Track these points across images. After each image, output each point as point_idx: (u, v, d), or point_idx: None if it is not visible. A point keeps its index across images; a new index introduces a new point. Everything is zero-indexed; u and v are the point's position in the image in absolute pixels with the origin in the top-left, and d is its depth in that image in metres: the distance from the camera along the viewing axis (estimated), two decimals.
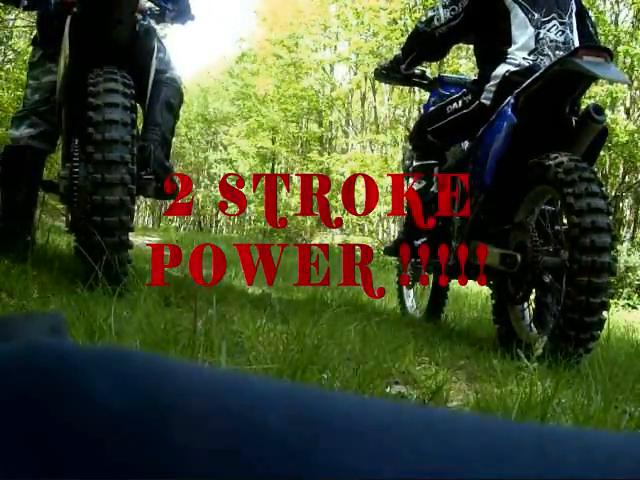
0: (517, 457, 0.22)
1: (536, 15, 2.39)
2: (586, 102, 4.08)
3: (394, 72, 2.94)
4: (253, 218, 21.84)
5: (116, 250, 2.17)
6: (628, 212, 12.51)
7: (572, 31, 2.48)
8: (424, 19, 2.73)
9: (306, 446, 0.22)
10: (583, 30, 2.58)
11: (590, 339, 2.16)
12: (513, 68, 2.38)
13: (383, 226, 13.64)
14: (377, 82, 15.70)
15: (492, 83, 2.43)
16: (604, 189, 2.17)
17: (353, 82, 15.14)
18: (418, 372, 1.85)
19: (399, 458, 0.21)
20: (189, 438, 0.22)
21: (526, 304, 2.49)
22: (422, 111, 3.11)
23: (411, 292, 3.33)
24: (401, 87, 13.98)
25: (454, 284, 3.46)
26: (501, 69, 2.41)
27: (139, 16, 2.33)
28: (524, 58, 2.38)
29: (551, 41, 2.38)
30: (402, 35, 12.29)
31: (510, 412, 1.35)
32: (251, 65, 18.88)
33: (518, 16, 2.39)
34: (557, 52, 2.39)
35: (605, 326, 2.28)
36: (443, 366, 2.00)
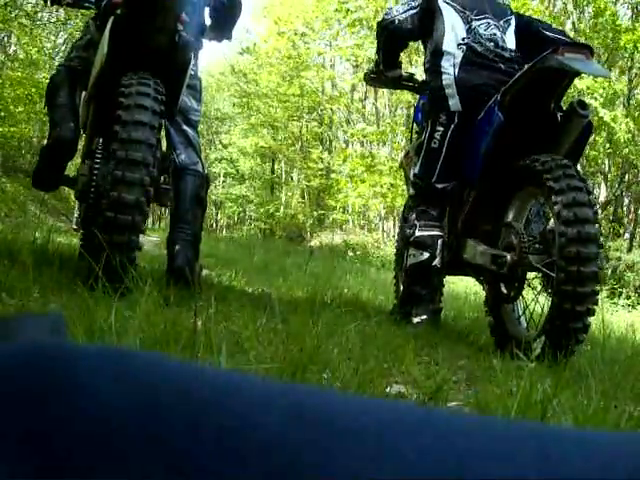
0: (517, 457, 0.22)
1: (468, 13, 2.67)
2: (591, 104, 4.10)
3: (381, 75, 3.02)
4: (253, 217, 21.85)
5: (124, 249, 2.17)
6: (627, 211, 12.51)
7: (505, 33, 2.70)
8: (383, 18, 2.91)
9: (306, 446, 0.22)
10: (539, 37, 2.74)
11: (575, 343, 2.21)
12: (456, 57, 2.60)
13: (383, 226, 13.64)
14: None
15: (448, 81, 2.62)
16: (592, 197, 2.18)
17: (356, 78, 15.15)
18: (418, 372, 1.85)
19: (399, 458, 0.21)
20: (189, 438, 0.22)
21: (517, 302, 2.54)
22: (416, 113, 3.16)
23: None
24: None
25: (455, 284, 3.53)
26: (446, 63, 2.63)
27: (180, 27, 2.32)
28: (461, 45, 2.62)
29: (486, 32, 2.63)
30: None
31: (510, 412, 1.35)
32: (254, 60, 18.87)
33: (454, 17, 2.67)
34: (492, 36, 2.62)
35: (605, 326, 2.31)
36: (443, 366, 2.00)
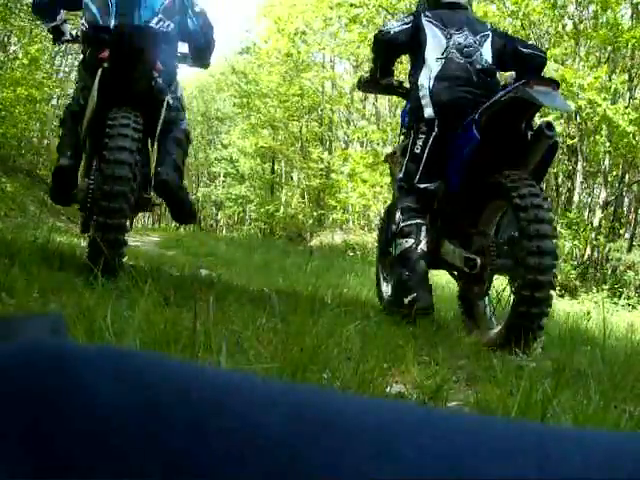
0: (517, 457, 0.22)
1: (452, 31, 2.97)
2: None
3: (374, 83, 3.27)
4: (253, 217, 21.86)
5: (114, 245, 2.66)
6: (628, 211, 12.52)
7: (481, 46, 2.97)
8: (379, 31, 3.22)
9: (306, 445, 0.22)
10: (514, 52, 3.05)
11: (532, 339, 2.43)
12: (433, 70, 2.89)
13: None
14: None
15: (425, 92, 2.90)
16: (551, 214, 2.47)
17: (356, 78, 15.16)
18: (418, 372, 1.85)
19: (399, 457, 0.21)
20: (189, 438, 0.22)
21: (487, 298, 2.84)
22: (402, 117, 3.38)
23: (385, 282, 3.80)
24: None
25: (455, 284, 3.60)
26: (424, 75, 2.93)
27: (156, 74, 2.81)
28: (440, 59, 2.91)
29: (462, 44, 2.93)
30: None
31: (510, 412, 1.35)
32: (254, 60, 18.87)
33: (434, 32, 2.97)
34: (468, 51, 2.91)
35: (605, 326, 2.35)
36: (443, 366, 2.00)
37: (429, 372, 1.86)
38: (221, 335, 1.62)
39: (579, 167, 11.59)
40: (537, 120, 2.90)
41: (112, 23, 2.83)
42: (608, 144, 11.01)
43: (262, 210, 19.30)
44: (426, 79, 2.90)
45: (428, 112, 2.86)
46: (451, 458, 0.22)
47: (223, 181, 24.68)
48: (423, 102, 2.88)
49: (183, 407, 0.23)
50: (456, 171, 2.73)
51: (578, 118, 11.32)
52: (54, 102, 15.12)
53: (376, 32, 3.29)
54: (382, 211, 12.66)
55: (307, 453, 0.21)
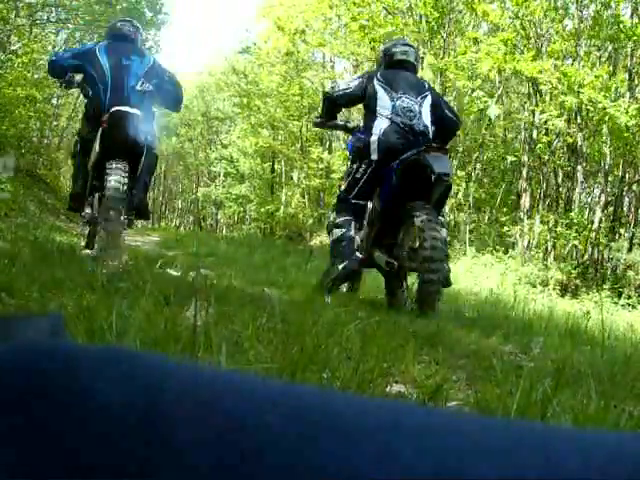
0: (517, 457, 0.22)
1: (397, 93, 3.68)
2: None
3: (322, 123, 4.16)
4: (253, 217, 21.85)
5: (115, 249, 3.68)
6: (628, 211, 12.51)
7: (422, 107, 3.70)
8: (331, 88, 4.13)
9: (306, 446, 0.22)
10: (444, 116, 3.84)
11: (432, 306, 3.39)
12: (382, 126, 3.64)
13: None
14: None
15: (374, 142, 3.66)
16: (442, 233, 3.40)
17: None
18: (418, 372, 1.85)
19: (399, 458, 0.21)
20: (190, 438, 0.22)
21: (404, 286, 3.90)
22: (348, 146, 4.17)
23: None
24: None
25: (456, 284, 3.74)
26: (377, 127, 3.66)
27: (139, 137, 3.82)
28: (386, 117, 3.64)
29: (405, 108, 3.64)
30: (398, 27, 12.29)
31: (510, 412, 1.35)
32: (255, 59, 18.87)
33: (383, 93, 3.69)
34: (407, 117, 3.64)
35: (604, 326, 2.34)
36: (443, 366, 2.00)
37: (429, 372, 1.86)
38: (221, 335, 1.62)
39: (579, 167, 11.59)
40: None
41: (108, 95, 3.90)
42: (609, 143, 11.01)
43: (262, 210, 19.29)
44: (377, 130, 3.66)
45: (374, 156, 3.67)
46: (451, 458, 0.22)
47: (223, 181, 24.69)
48: (372, 147, 3.66)
49: (183, 407, 0.23)
50: (383, 198, 3.68)
51: (579, 118, 11.32)
52: (54, 102, 15.12)
53: (327, 90, 4.38)
54: None
55: (307, 453, 0.21)
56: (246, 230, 21.31)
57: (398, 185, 3.49)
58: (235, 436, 0.22)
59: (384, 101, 3.64)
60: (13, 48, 12.79)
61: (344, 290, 4.10)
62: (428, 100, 3.72)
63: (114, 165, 3.77)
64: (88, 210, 4.15)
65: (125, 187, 3.78)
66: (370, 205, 3.84)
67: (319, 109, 4.37)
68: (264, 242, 13.31)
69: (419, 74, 4.13)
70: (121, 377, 0.23)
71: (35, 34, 13.86)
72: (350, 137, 4.06)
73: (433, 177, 3.32)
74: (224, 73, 23.17)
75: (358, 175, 3.73)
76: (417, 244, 3.39)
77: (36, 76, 13.45)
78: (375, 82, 3.70)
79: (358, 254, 3.74)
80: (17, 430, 0.22)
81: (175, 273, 3.75)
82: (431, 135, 3.66)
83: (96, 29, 14.41)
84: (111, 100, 3.82)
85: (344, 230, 3.77)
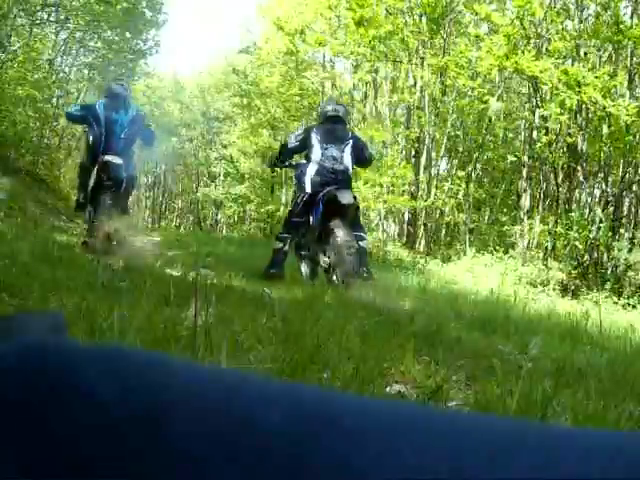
0: (517, 457, 0.22)
1: (326, 144, 4.98)
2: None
3: (274, 164, 5.53)
4: (253, 217, 21.84)
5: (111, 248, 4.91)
6: (628, 211, 12.51)
7: (343, 153, 5.00)
8: (286, 140, 5.44)
9: (307, 445, 0.22)
10: (360, 155, 5.15)
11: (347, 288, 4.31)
12: (314, 168, 4.95)
13: (383, 225, 13.64)
14: (379, 80, 15.71)
15: (308, 180, 4.95)
16: (353, 243, 4.64)
17: (355, 77, 15.12)
18: (418, 372, 1.85)
19: (399, 457, 0.21)
20: (190, 436, 0.22)
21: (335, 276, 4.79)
22: (295, 179, 5.33)
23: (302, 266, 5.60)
24: (402, 86, 14.03)
25: (456, 284, 3.64)
26: (310, 170, 4.97)
27: (123, 183, 5.39)
28: (317, 162, 4.95)
29: (330, 156, 4.94)
30: (396, 28, 12.28)
31: (510, 412, 1.35)
32: (255, 59, 18.87)
33: (316, 144, 4.99)
34: (330, 163, 4.95)
35: (605, 326, 2.34)
36: (443, 366, 2.00)
37: (429, 372, 1.86)
38: (221, 335, 1.62)
39: (579, 167, 11.59)
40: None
41: (102, 142, 5.40)
42: (609, 143, 11.01)
43: (262, 210, 19.29)
44: (310, 172, 4.96)
45: (307, 188, 4.96)
46: (451, 458, 0.22)
47: (223, 181, 24.69)
48: (306, 184, 4.96)
49: (183, 406, 0.23)
50: (315, 217, 4.89)
51: (579, 117, 11.32)
52: (54, 101, 15.12)
53: (282, 142, 5.62)
54: (381, 211, 12.56)
55: (307, 453, 0.21)
56: (246, 230, 21.31)
57: (323, 209, 4.80)
58: (235, 435, 0.22)
59: (316, 150, 4.99)
60: (13, 48, 12.78)
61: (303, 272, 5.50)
62: (349, 147, 5.06)
63: (104, 197, 5.34)
64: (87, 215, 5.71)
65: (110, 203, 5.33)
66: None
67: (274, 154, 5.66)
68: (264, 242, 13.31)
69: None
70: (121, 376, 0.23)
71: (35, 34, 13.85)
72: (295, 172, 5.33)
73: (341, 204, 4.69)
74: (224, 73, 23.17)
75: (298, 200, 5.08)
76: (336, 248, 4.68)
77: (36, 76, 13.44)
78: (312, 135, 5.07)
79: (283, 264, 5.21)
80: (17, 429, 0.22)
81: (175, 273, 3.75)
82: (350, 171, 5.08)
83: (95, 29, 14.41)
84: (104, 147, 5.38)
85: (281, 245, 5.20)
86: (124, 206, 5.66)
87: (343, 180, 4.89)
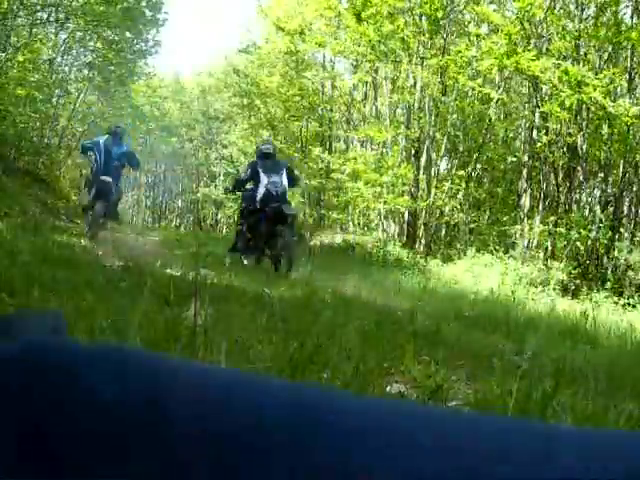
0: (517, 457, 0.22)
1: (268, 173, 6.47)
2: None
3: (232, 190, 7.36)
4: None
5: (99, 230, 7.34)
6: (628, 211, 12.50)
7: (281, 178, 6.50)
8: (240, 174, 7.79)
9: (307, 444, 0.22)
10: (292, 178, 6.73)
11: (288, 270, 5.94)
12: (262, 190, 6.47)
13: (383, 225, 13.63)
14: (378, 80, 15.71)
15: (258, 198, 6.44)
16: (288, 240, 6.23)
17: (355, 78, 15.11)
18: (418, 371, 1.85)
19: (399, 457, 0.21)
20: (189, 435, 0.22)
21: (280, 263, 6.39)
22: (243, 196, 7.16)
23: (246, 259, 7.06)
24: (402, 86, 14.04)
25: (457, 284, 3.63)
26: (260, 191, 6.45)
27: (113, 192, 7.60)
28: (264, 186, 6.44)
29: (272, 181, 6.40)
30: (398, 28, 12.28)
31: (510, 412, 1.35)
32: (256, 59, 18.85)
33: (263, 174, 6.49)
34: (274, 186, 6.41)
35: (604, 326, 2.33)
36: (443, 365, 2.00)
37: (429, 372, 1.86)
38: (221, 335, 1.62)
39: (579, 167, 11.59)
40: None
41: (101, 167, 7.50)
42: (609, 143, 11.01)
43: None
44: (260, 192, 6.48)
45: (258, 205, 6.45)
46: (450, 457, 0.22)
47: (223, 181, 24.69)
48: (257, 200, 6.47)
49: (183, 406, 0.23)
50: (262, 222, 6.39)
51: (579, 117, 11.32)
52: (54, 101, 15.11)
53: (236, 178, 7.64)
54: (381, 211, 12.56)
55: (307, 452, 0.21)
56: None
57: (269, 218, 6.34)
58: (235, 434, 0.22)
59: (263, 178, 6.54)
60: (13, 48, 12.77)
61: (245, 263, 6.88)
62: (284, 173, 6.67)
63: (98, 206, 7.34)
64: (90, 213, 7.63)
65: (102, 207, 7.32)
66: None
67: (229, 187, 7.82)
68: None
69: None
70: (121, 375, 0.23)
71: (35, 34, 13.84)
72: (244, 192, 7.03)
73: (286, 214, 6.29)
74: (224, 73, 23.17)
75: (250, 208, 6.72)
76: (284, 245, 6.20)
77: (36, 76, 13.44)
78: (258, 168, 6.66)
79: (243, 245, 6.88)
80: (16, 428, 0.22)
81: (175, 273, 3.75)
82: (287, 191, 6.68)
83: (95, 29, 14.41)
84: (102, 171, 7.52)
85: (241, 227, 6.98)
86: (113, 210, 8.01)
87: (284, 198, 6.56)
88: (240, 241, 6.91)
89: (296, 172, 7.37)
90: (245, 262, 6.81)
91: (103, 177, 7.42)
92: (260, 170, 6.56)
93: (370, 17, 12.11)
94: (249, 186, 6.84)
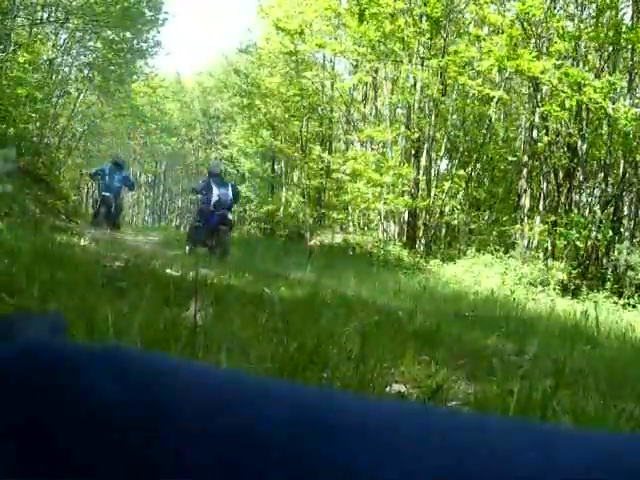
0: (517, 457, 0.22)
1: (218, 186, 8.49)
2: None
3: (193, 193, 10.47)
4: (253, 217, 21.85)
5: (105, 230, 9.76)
6: (628, 211, 12.49)
7: (228, 191, 8.58)
8: (197, 184, 9.59)
9: (306, 445, 0.22)
10: (234, 193, 8.69)
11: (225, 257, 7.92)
12: (214, 199, 8.45)
13: (383, 225, 13.63)
14: (378, 79, 15.71)
15: (212, 202, 8.34)
16: (228, 236, 8.64)
17: (354, 78, 15.11)
18: (418, 371, 1.85)
19: (399, 457, 0.21)
20: (189, 436, 0.22)
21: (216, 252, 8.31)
22: (202, 201, 8.78)
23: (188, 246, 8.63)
24: (402, 87, 14.03)
25: (457, 284, 3.62)
26: (214, 198, 8.38)
27: (119, 206, 11.09)
28: (217, 196, 8.39)
29: (222, 192, 8.41)
30: (398, 28, 12.28)
31: (510, 412, 1.35)
32: (256, 59, 18.86)
33: (214, 186, 8.47)
34: (224, 196, 8.46)
35: (604, 326, 2.34)
36: (443, 366, 2.00)
37: (429, 372, 1.86)
38: (221, 335, 1.62)
39: (579, 167, 11.59)
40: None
41: (107, 187, 10.67)
42: (609, 143, 11.01)
43: (262, 210, 19.31)
44: (214, 200, 8.21)
45: (212, 208, 8.16)
46: (451, 458, 0.22)
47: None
48: (211, 205, 8.17)
49: (183, 406, 0.23)
50: (212, 222, 8.52)
51: (579, 117, 11.32)
52: (53, 101, 15.11)
53: (194, 187, 9.47)
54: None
55: (307, 453, 0.21)
56: (246, 230, 21.34)
57: (217, 220, 8.16)
58: (235, 435, 0.22)
59: (215, 191, 8.30)
60: (13, 48, 12.77)
61: (187, 250, 8.45)
62: (229, 189, 8.56)
63: (101, 208, 10.08)
64: (98, 219, 10.00)
65: (107, 214, 9.98)
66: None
67: (191, 190, 11.05)
68: (264, 242, 13.32)
69: None
70: (121, 376, 0.23)
71: (35, 33, 13.84)
72: (200, 197, 8.78)
73: (229, 219, 8.37)
74: (224, 72, 23.16)
75: (203, 210, 8.45)
76: (222, 239, 8.12)
77: (36, 76, 13.44)
78: (211, 182, 8.44)
79: (197, 240, 8.53)
80: (16, 429, 0.22)
81: (175, 273, 3.75)
82: (231, 202, 8.50)
83: (95, 29, 14.41)
84: (107, 189, 10.30)
85: (197, 224, 8.63)
86: (116, 218, 10.80)
87: (229, 207, 8.57)
88: (195, 234, 8.65)
89: (237, 190, 9.42)
90: (187, 249, 8.50)
91: (105, 193, 10.53)
92: (213, 185, 8.53)
93: (372, 16, 12.10)
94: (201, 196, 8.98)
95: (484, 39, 11.25)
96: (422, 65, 12.60)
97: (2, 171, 10.61)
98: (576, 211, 11.34)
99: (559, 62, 10.46)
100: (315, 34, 15.24)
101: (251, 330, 1.88)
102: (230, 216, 8.64)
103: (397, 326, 2.72)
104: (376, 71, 14.84)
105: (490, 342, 2.81)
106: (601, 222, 11.09)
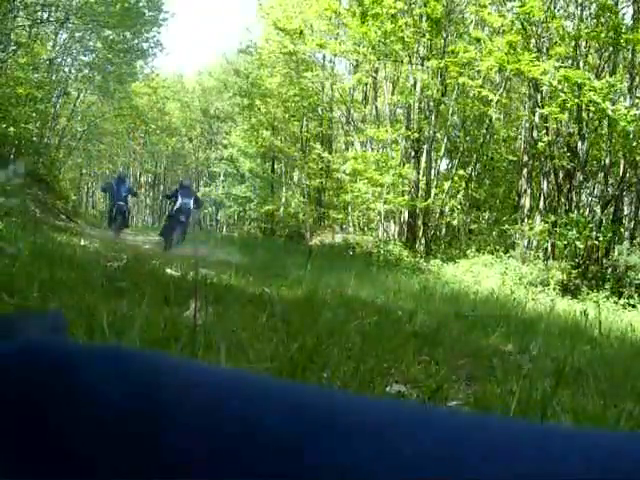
0: (517, 457, 0.22)
1: (183, 197, 10.60)
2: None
3: (167, 199, 13.21)
4: (253, 217, 21.85)
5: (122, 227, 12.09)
6: (629, 211, 12.49)
7: (190, 201, 10.61)
8: (170, 194, 11.82)
9: (306, 444, 0.22)
10: (197, 200, 11.08)
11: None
12: (177, 206, 10.63)
13: (383, 225, 13.63)
14: (378, 79, 15.71)
15: (175, 209, 10.60)
16: (185, 231, 11.14)
17: (354, 79, 15.11)
18: (418, 371, 1.85)
19: (399, 457, 0.21)
20: (189, 437, 0.22)
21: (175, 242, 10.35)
22: (173, 203, 11.08)
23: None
24: (402, 86, 14.03)
25: (457, 284, 3.62)
26: (177, 206, 10.57)
27: (126, 210, 12.55)
28: (181, 203, 10.54)
29: (184, 202, 10.60)
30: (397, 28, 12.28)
31: (510, 412, 1.35)
32: (256, 59, 18.88)
33: (180, 196, 10.71)
34: (185, 205, 10.58)
35: (605, 326, 2.33)
36: (443, 365, 2.00)
37: (429, 372, 1.86)
38: (221, 335, 1.62)
39: (579, 166, 11.59)
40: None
41: (115, 197, 12.01)
42: (609, 143, 11.01)
43: (262, 210, 19.31)
44: (176, 206, 10.41)
45: (177, 207, 10.43)
46: (451, 457, 0.22)
47: (223, 181, 24.70)
48: (175, 209, 10.49)
49: (183, 406, 0.23)
50: (186, 224, 10.92)
51: (579, 117, 11.32)
52: (53, 100, 15.11)
53: (167, 194, 12.79)
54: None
55: (307, 452, 0.21)
56: (246, 230, 21.32)
57: (176, 221, 10.10)
58: (235, 434, 0.22)
59: (179, 198, 10.24)
60: (13, 48, 12.77)
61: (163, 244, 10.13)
62: (193, 199, 10.43)
63: (117, 218, 11.52)
64: (116, 224, 11.53)
65: (119, 220, 11.41)
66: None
67: (165, 196, 13.89)
68: (264, 242, 13.31)
69: None
70: (121, 375, 0.23)
71: (35, 33, 13.84)
72: (171, 204, 10.80)
73: (182, 221, 10.31)
74: (225, 72, 23.15)
75: (178, 205, 10.26)
76: (177, 235, 10.03)
77: (36, 76, 13.44)
78: (178, 194, 10.41)
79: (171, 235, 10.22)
80: (16, 428, 0.22)
81: (175, 273, 3.75)
82: (189, 210, 10.29)
83: (95, 29, 14.40)
84: (115, 199, 11.67)
85: (167, 223, 10.63)
86: (126, 221, 12.23)
87: (187, 214, 10.25)
88: (165, 230, 10.58)
89: (200, 200, 11.57)
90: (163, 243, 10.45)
91: (119, 202, 11.91)
92: (180, 195, 10.60)
93: (374, 16, 12.10)
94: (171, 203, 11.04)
95: (484, 41, 11.25)
96: (422, 65, 12.60)
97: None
98: (576, 211, 11.35)
99: (559, 64, 10.46)
100: (315, 34, 15.24)
101: (251, 330, 1.88)
102: (183, 219, 10.67)
103: (397, 326, 2.72)
104: (376, 71, 14.85)
105: (490, 342, 2.81)
106: (601, 222, 11.09)
